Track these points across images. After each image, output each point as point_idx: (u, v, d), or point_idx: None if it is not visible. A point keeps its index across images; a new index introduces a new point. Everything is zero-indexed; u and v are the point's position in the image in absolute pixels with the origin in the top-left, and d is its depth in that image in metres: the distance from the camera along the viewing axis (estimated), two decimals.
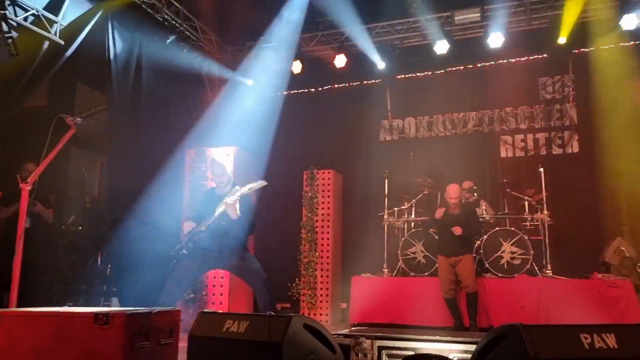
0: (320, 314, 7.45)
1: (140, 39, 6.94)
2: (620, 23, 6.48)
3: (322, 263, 7.68)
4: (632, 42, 6.86)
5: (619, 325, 2.00)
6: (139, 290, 5.78)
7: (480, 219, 6.58)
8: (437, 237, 6.19)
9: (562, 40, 7.09)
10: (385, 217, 7.17)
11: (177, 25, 7.53)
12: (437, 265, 6.21)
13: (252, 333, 2.44)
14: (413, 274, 6.55)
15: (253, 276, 4.23)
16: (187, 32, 7.79)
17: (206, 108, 8.38)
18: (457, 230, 5.53)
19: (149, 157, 6.83)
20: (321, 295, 7.56)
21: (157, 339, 2.76)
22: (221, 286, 7.07)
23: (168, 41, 7.40)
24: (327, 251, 7.71)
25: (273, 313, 2.51)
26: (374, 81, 8.60)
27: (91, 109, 8.36)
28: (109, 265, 7.02)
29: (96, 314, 2.54)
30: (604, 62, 7.12)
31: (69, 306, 3.34)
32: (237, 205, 4.01)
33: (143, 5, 6.89)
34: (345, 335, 2.95)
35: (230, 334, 2.50)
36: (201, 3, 7.48)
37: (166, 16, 7.29)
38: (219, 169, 4.42)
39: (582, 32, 7.02)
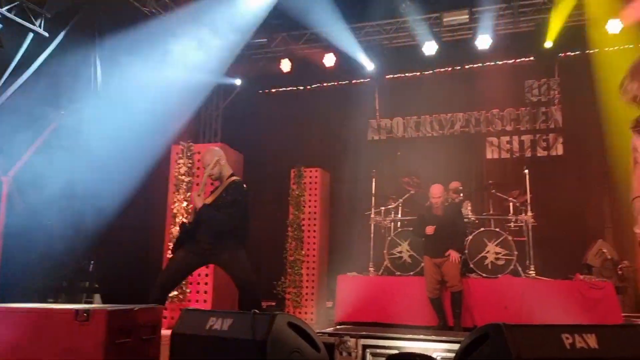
0: (306, 313, 7.45)
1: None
2: (606, 27, 6.55)
3: (308, 261, 7.67)
4: (616, 47, 6.93)
5: (600, 325, 2.02)
6: (123, 286, 5.73)
7: (466, 220, 6.62)
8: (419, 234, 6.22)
9: (548, 44, 7.16)
10: (372, 216, 7.17)
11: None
12: (422, 264, 6.24)
13: (236, 331, 2.42)
14: (399, 273, 6.56)
15: (242, 274, 4.08)
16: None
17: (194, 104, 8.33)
18: (429, 230, 5.61)
19: (135, 151, 6.75)
20: (307, 293, 7.55)
21: (139, 335, 2.73)
22: (205, 283, 7.02)
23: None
24: (314, 249, 7.70)
25: (257, 311, 2.49)
26: (362, 80, 8.61)
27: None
28: (92, 262, 6.94)
29: (77, 311, 2.50)
30: (590, 66, 7.20)
31: (50, 302, 3.28)
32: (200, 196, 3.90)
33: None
34: (330, 334, 2.95)
35: (213, 332, 2.47)
36: None
37: (153, 10, 7.22)
38: (207, 158, 4.18)
39: (568, 36, 7.08)
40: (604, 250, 6.69)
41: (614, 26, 6.51)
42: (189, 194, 7.12)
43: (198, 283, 6.94)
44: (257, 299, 4.01)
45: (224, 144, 7.63)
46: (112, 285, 6.43)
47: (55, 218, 6.94)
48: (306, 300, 7.52)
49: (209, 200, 3.98)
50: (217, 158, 4.09)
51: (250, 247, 7.84)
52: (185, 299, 6.76)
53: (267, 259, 7.85)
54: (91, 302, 6.26)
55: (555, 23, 7.02)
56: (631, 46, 6.85)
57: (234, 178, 4.10)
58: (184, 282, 6.87)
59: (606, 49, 7.02)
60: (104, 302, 6.49)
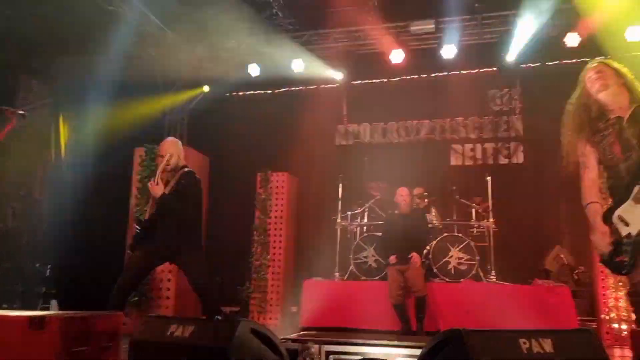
0: (270, 318, 7.40)
1: None
2: (565, 40, 6.78)
3: (273, 266, 7.63)
4: (574, 60, 7.18)
5: (556, 330, 2.08)
6: (81, 292, 5.55)
7: (430, 225, 6.73)
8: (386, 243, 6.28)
9: (510, 55, 7.37)
10: (339, 220, 7.20)
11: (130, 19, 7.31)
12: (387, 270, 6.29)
13: (198, 338, 2.38)
14: (364, 277, 6.60)
15: (201, 279, 3.97)
16: (141, 27, 7.57)
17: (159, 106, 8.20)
18: (392, 260, 5.76)
19: (95, 155, 6.60)
20: (271, 298, 7.50)
21: (97, 343, 2.65)
22: (168, 289, 6.90)
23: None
24: (279, 254, 7.67)
25: (220, 317, 2.46)
26: (330, 86, 8.64)
27: (35, 101, 7.98)
28: (49, 266, 6.71)
29: (30, 318, 2.41)
30: (550, 77, 7.44)
31: (4, 309, 3.15)
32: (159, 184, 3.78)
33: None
34: (293, 340, 2.94)
35: (174, 339, 2.42)
36: None
37: (119, 9, 7.06)
38: (167, 147, 4.07)
39: (529, 48, 7.30)
40: (561, 256, 6.91)
41: (572, 39, 6.74)
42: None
43: (160, 289, 6.80)
44: (217, 304, 3.94)
45: (189, 147, 7.53)
46: (70, 290, 6.23)
47: (9, 221, 6.71)
48: (271, 305, 7.47)
49: (160, 185, 3.85)
50: (177, 149, 4.07)
51: (214, 252, 7.80)
52: (147, 305, 6.62)
53: (232, 263, 7.76)
54: (48, 309, 6.04)
55: (518, 35, 7.23)
56: (588, 59, 7.10)
57: (186, 169, 4.05)
58: (146, 288, 6.74)
59: (565, 61, 7.28)
60: (61, 308, 6.28)
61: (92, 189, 6.32)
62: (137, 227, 3.95)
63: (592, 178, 2.79)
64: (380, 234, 6.71)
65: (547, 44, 7.20)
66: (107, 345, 2.72)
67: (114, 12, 6.97)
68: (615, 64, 2.85)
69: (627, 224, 2.56)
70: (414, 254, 5.67)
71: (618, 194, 2.66)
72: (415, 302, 5.80)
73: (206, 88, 8.58)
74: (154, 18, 7.56)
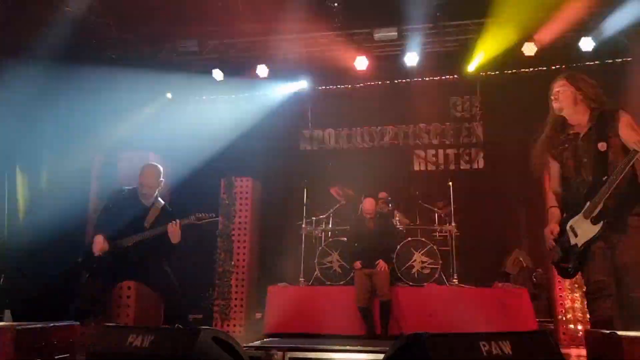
0: (234, 325, 7.30)
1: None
2: (522, 49, 6.99)
3: (237, 272, 7.52)
4: (531, 69, 7.43)
5: (514, 332, 2.13)
6: (37, 302, 5.34)
7: (396, 228, 6.81)
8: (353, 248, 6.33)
9: (471, 65, 7.55)
10: (304, 226, 7.19)
11: (89, 22, 7.13)
12: (352, 274, 6.33)
13: (157, 348, 2.32)
14: (329, 282, 6.61)
15: (166, 288, 3.99)
16: (99, 29, 7.40)
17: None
18: (357, 266, 5.92)
19: (51, 161, 6.38)
20: (235, 305, 7.39)
21: (51, 355, 2.56)
22: (128, 297, 6.71)
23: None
24: (243, 260, 7.57)
25: (181, 326, 2.41)
26: (295, 91, 8.64)
27: None
28: (2, 275, 6.42)
29: None
30: (509, 85, 7.67)
31: None
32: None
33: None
34: (257, 348, 2.91)
35: (132, 349, 2.35)
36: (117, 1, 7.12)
37: (79, 10, 6.87)
38: (149, 178, 4.05)
39: (488, 56, 7.49)
40: (520, 259, 7.10)
41: (529, 49, 6.95)
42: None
43: (120, 296, 6.62)
44: (182, 312, 3.95)
45: (150, 152, 7.37)
46: (25, 301, 5.98)
47: None
48: (235, 312, 7.36)
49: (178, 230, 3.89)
50: (160, 177, 4.09)
51: (176, 259, 7.63)
52: (106, 314, 6.42)
53: (195, 270, 7.62)
54: (1, 319, 5.77)
55: (478, 44, 7.42)
56: (544, 68, 7.38)
57: (163, 203, 4.09)
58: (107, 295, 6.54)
59: (523, 69, 7.51)
60: (15, 319, 6.01)
61: (48, 197, 6.10)
62: (101, 252, 3.80)
63: (553, 187, 3.07)
64: (345, 239, 6.75)
65: (506, 52, 7.40)
66: (63, 357, 2.64)
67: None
68: (580, 79, 2.97)
69: (575, 235, 2.84)
70: (380, 262, 5.82)
71: (571, 207, 2.93)
72: (380, 307, 5.87)
73: (169, 95, 8.46)
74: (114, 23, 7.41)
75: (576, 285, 5.63)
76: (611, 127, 2.78)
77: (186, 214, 4.10)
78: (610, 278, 2.74)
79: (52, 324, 2.66)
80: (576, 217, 2.84)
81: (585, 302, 2.96)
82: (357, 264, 5.93)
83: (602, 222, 2.71)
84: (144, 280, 4.17)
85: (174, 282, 4.04)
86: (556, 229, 2.93)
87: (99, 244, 3.78)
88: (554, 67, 7.38)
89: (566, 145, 2.94)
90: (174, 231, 3.84)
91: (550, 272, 6.33)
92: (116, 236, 3.90)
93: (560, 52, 7.03)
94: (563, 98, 2.92)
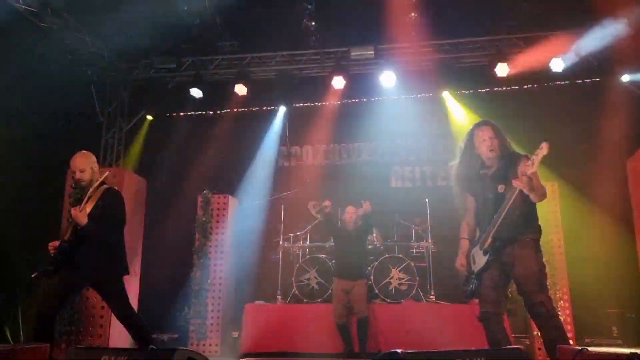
0: (210, 345, 7.16)
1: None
2: (495, 70, 7.16)
3: (214, 290, 7.41)
4: (504, 87, 7.61)
5: (488, 349, 2.16)
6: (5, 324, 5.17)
7: (370, 246, 6.82)
8: (334, 259, 6.30)
9: (446, 81, 7.71)
10: (281, 243, 7.15)
11: (65, 36, 7.06)
12: (330, 291, 6.30)
13: None
14: (306, 300, 6.56)
15: (125, 309, 3.80)
16: (75, 45, 7.32)
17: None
18: (366, 206, 5.90)
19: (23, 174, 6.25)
20: (212, 324, 7.27)
21: None
22: (101, 316, 6.56)
23: None
24: (220, 278, 7.47)
25: (154, 347, 2.36)
26: (273, 107, 8.65)
27: None
28: None
29: None
30: (482, 103, 7.84)
31: None
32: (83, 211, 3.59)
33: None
34: None
35: None
36: (94, 16, 7.06)
37: (54, 26, 6.81)
38: (78, 163, 3.82)
39: (463, 75, 7.66)
40: None
41: (502, 70, 7.13)
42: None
43: (93, 316, 6.46)
44: (147, 333, 3.83)
45: (126, 169, 7.28)
46: None
47: None
48: (211, 331, 7.23)
49: (84, 212, 3.64)
50: (90, 162, 3.88)
51: (152, 276, 7.51)
52: (79, 335, 6.25)
53: (171, 288, 7.50)
54: None
55: (453, 63, 7.59)
56: (517, 87, 7.58)
57: (107, 186, 3.85)
58: (76, 317, 6.38)
59: (496, 88, 7.69)
60: None
61: (18, 213, 5.95)
62: (53, 249, 3.64)
63: (467, 219, 3.48)
64: (324, 255, 6.73)
65: (479, 72, 7.58)
66: None
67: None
68: (499, 129, 3.37)
69: (474, 263, 3.30)
70: (367, 204, 5.93)
71: (478, 237, 3.36)
72: (357, 324, 5.83)
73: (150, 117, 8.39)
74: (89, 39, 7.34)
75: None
76: (512, 170, 3.16)
77: None
78: (497, 308, 3.23)
79: (20, 346, 2.57)
80: (475, 248, 3.32)
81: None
82: (327, 202, 6.15)
83: (488, 254, 3.16)
84: (107, 299, 3.94)
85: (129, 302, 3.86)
86: (464, 261, 3.40)
87: (53, 242, 3.69)
88: (525, 87, 7.60)
89: (479, 183, 3.33)
90: (74, 216, 3.60)
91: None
92: None
93: (533, 73, 7.22)
94: (496, 147, 3.26)
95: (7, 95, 6.11)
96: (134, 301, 7.20)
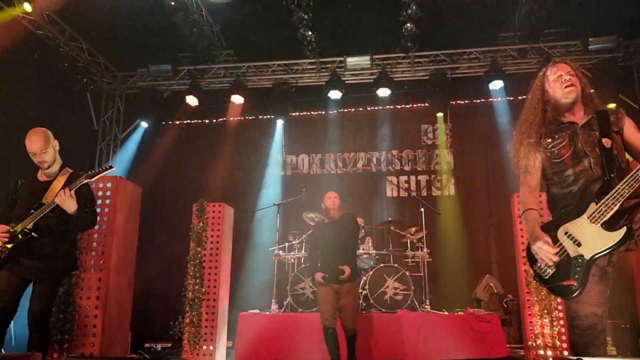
0: (204, 354, 7.09)
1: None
2: (490, 86, 7.23)
3: (208, 299, 7.35)
4: (498, 99, 7.67)
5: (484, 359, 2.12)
6: None
7: (366, 255, 6.79)
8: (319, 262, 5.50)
9: (441, 92, 7.75)
10: (276, 252, 7.12)
11: (61, 45, 7.07)
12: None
13: None
14: (301, 310, 6.52)
15: (46, 307, 3.43)
16: (72, 53, 7.33)
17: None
18: (318, 277, 5.08)
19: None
20: (205, 333, 7.20)
21: None
22: (94, 325, 6.48)
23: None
24: (215, 287, 7.41)
25: (147, 355, 2.33)
26: (269, 116, 8.67)
27: None
28: None
29: None
30: (477, 114, 7.89)
31: None
32: (73, 196, 3.29)
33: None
34: None
35: None
36: (90, 25, 7.09)
37: (49, 34, 6.82)
38: (36, 144, 3.38)
39: (458, 86, 7.72)
40: (491, 285, 7.16)
41: (495, 83, 7.21)
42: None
43: (85, 325, 6.38)
44: (46, 342, 3.49)
45: (121, 177, 7.24)
46: None
47: None
48: (205, 340, 7.16)
49: (49, 198, 3.33)
50: (50, 140, 3.48)
51: (146, 284, 7.45)
52: (71, 343, 6.18)
53: (164, 297, 7.46)
54: None
55: (448, 74, 7.63)
56: (511, 98, 7.64)
57: (81, 178, 3.42)
58: (69, 325, 6.31)
59: (491, 99, 7.74)
60: None
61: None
62: (7, 238, 3.31)
63: (533, 185, 2.53)
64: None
65: (474, 83, 7.64)
66: None
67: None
68: (582, 70, 2.61)
69: (578, 244, 2.28)
70: (345, 268, 5.02)
71: (562, 205, 2.44)
72: (347, 341, 5.23)
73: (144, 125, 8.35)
74: (87, 46, 7.35)
75: (545, 311, 5.69)
76: (615, 125, 2.44)
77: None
78: (605, 308, 2.30)
79: (10, 354, 2.54)
80: (576, 222, 2.31)
81: (570, 337, 2.49)
82: (318, 276, 5.10)
83: (623, 228, 2.21)
84: (34, 295, 3.47)
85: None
86: (547, 244, 2.31)
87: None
88: (520, 97, 7.65)
89: (563, 134, 2.48)
90: (63, 201, 3.25)
91: (520, 297, 6.40)
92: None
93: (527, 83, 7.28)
94: (577, 84, 2.49)
95: (4, 102, 6.10)
96: (128, 309, 7.15)
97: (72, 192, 3.30)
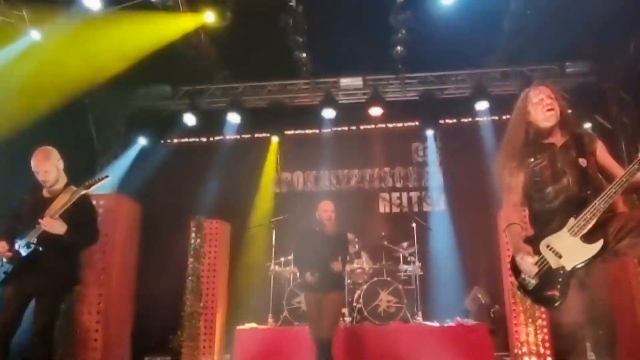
0: None
1: None
2: (476, 106, 7.56)
3: (206, 314, 7.50)
4: (485, 118, 7.99)
5: None
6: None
7: (360, 270, 6.99)
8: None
9: (430, 111, 8.06)
10: (272, 267, 7.27)
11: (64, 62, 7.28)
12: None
13: None
14: (297, 323, 6.65)
15: (49, 321, 3.44)
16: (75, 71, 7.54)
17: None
18: (310, 278, 4.79)
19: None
20: (204, 347, 7.34)
21: None
22: (95, 340, 6.60)
23: None
24: (213, 301, 7.57)
25: None
26: (264, 135, 8.89)
27: None
28: None
29: None
30: (465, 133, 8.20)
31: None
32: (57, 219, 3.31)
33: None
34: None
35: None
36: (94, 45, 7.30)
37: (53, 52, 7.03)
38: (39, 162, 3.45)
39: (447, 106, 8.02)
40: (479, 296, 7.39)
41: (481, 104, 7.54)
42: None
43: (87, 340, 6.51)
44: (52, 353, 3.50)
45: (120, 194, 7.41)
46: None
47: None
48: (203, 354, 7.30)
49: (58, 220, 3.35)
50: (54, 161, 3.53)
51: (145, 300, 7.56)
52: (73, 357, 6.30)
53: (163, 312, 7.57)
54: None
55: (436, 94, 7.94)
56: (496, 118, 7.96)
57: (75, 188, 3.49)
58: (71, 340, 6.42)
59: (477, 119, 8.07)
60: None
61: None
62: (12, 256, 3.36)
63: (516, 201, 2.67)
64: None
65: (462, 103, 7.96)
66: None
67: None
68: (561, 93, 2.76)
69: (559, 256, 2.42)
70: (336, 264, 4.76)
71: (544, 220, 2.58)
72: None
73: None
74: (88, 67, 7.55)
75: (530, 320, 5.93)
76: (589, 147, 2.60)
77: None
78: (585, 316, 2.46)
79: None
80: (555, 235, 2.46)
81: (555, 345, 2.57)
82: (309, 276, 4.80)
83: (600, 240, 2.36)
84: (38, 309, 3.45)
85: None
86: (529, 255, 2.45)
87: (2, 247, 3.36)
88: (504, 117, 7.99)
89: (544, 154, 2.63)
90: (50, 228, 3.29)
91: (506, 307, 6.65)
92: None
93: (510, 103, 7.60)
94: (557, 107, 2.64)
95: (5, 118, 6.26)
96: (129, 324, 7.27)
97: (57, 215, 3.32)
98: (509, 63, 7.62)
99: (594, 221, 2.38)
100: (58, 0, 6.30)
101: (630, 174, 2.35)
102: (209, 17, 6.57)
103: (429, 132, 8.61)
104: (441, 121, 8.33)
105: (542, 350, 5.69)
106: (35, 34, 6.53)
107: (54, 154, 3.53)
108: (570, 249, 2.39)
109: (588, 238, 2.38)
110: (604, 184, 2.51)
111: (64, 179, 3.57)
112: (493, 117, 7.97)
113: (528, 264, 2.43)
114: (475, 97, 7.55)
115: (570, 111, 2.72)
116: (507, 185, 2.70)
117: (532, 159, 2.64)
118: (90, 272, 6.74)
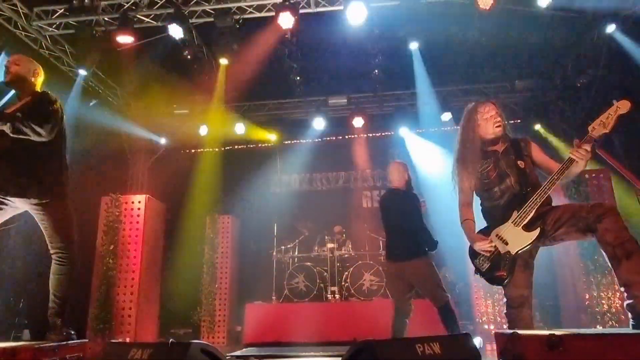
0: (218, 337, 7.09)
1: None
2: (441, 117, 7.42)
3: (220, 293, 7.37)
4: (448, 127, 7.84)
5: (442, 336, 2.20)
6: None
7: (347, 255, 6.85)
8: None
9: (403, 123, 7.90)
10: (274, 254, 7.15)
11: (99, 90, 7.09)
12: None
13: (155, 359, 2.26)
14: (296, 300, 6.55)
15: (66, 232, 2.80)
16: (109, 98, 7.36)
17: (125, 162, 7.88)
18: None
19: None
20: (219, 320, 7.21)
21: None
22: (129, 316, 6.45)
23: (90, 104, 6.92)
24: (225, 283, 7.45)
25: (174, 340, 2.35)
26: (267, 144, 8.75)
27: None
28: (22, 300, 6.05)
29: (2, 349, 2.19)
30: (433, 140, 8.05)
31: None
32: None
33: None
34: (238, 357, 2.85)
35: None
36: (124, 74, 7.09)
37: (90, 82, 6.85)
38: (21, 59, 2.75)
39: (418, 117, 7.86)
40: (447, 275, 7.25)
41: (445, 115, 7.38)
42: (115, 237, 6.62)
43: (122, 316, 6.35)
44: (75, 264, 2.84)
45: (149, 195, 7.24)
46: (41, 320, 5.65)
47: None
48: (219, 326, 7.17)
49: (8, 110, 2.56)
50: (32, 67, 2.74)
51: (170, 283, 7.39)
52: (111, 331, 6.14)
53: (186, 292, 7.42)
54: (20, 338, 5.38)
55: (408, 109, 7.79)
56: (457, 127, 7.78)
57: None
58: (109, 317, 6.26)
59: (443, 128, 7.91)
60: (32, 337, 5.63)
61: None
62: None
63: (468, 201, 2.67)
64: (309, 264, 6.70)
65: (429, 115, 7.80)
66: None
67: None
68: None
69: (506, 243, 2.44)
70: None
71: (493, 216, 2.57)
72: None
73: (163, 141, 8.31)
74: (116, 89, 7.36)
75: (488, 294, 5.80)
76: (525, 150, 2.60)
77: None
78: (530, 290, 2.46)
79: (64, 343, 2.55)
80: (503, 226, 2.47)
81: (505, 313, 2.54)
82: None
83: (537, 228, 2.37)
84: (41, 220, 2.76)
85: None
86: (485, 243, 2.49)
87: None
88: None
89: (490, 160, 2.62)
90: None
91: (469, 284, 6.51)
92: None
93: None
94: (502, 123, 2.63)
95: None
96: (157, 303, 7.11)
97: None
98: (468, 81, 7.48)
99: (532, 213, 2.39)
100: None
101: (561, 173, 2.36)
102: (223, 61, 6.41)
103: (405, 138, 8.45)
104: (414, 130, 8.17)
105: (498, 319, 5.55)
106: None
107: (34, 64, 2.78)
108: (514, 237, 2.42)
109: (529, 227, 2.40)
110: (539, 181, 2.52)
111: (31, 90, 2.72)
112: (455, 127, 7.80)
113: (483, 245, 2.50)
114: (441, 109, 7.39)
115: (507, 123, 2.69)
116: (460, 188, 2.69)
117: (480, 165, 2.64)
118: (124, 260, 6.62)
